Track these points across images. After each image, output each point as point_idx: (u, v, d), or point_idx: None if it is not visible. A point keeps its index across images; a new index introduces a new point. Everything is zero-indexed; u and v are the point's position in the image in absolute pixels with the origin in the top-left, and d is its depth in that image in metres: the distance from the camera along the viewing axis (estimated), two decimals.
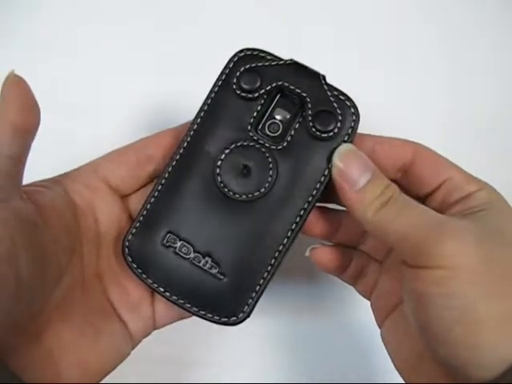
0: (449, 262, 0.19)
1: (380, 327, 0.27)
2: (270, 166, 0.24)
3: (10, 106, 0.20)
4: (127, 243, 0.25)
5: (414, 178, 0.25)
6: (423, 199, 0.25)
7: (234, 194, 0.24)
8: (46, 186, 0.24)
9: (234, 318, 0.24)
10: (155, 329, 0.27)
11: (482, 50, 0.39)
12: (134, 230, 0.25)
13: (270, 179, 0.24)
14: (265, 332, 0.36)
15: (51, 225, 0.22)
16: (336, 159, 0.23)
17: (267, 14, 0.39)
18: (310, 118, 0.24)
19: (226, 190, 0.24)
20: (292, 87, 0.24)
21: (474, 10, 0.39)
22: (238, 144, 0.25)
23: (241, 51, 0.26)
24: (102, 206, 0.26)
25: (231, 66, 0.25)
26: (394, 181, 0.25)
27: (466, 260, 0.19)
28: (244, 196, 0.24)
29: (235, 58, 0.25)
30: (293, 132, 0.25)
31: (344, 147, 0.24)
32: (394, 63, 0.39)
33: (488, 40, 0.39)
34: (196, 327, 0.35)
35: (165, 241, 0.25)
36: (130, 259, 0.25)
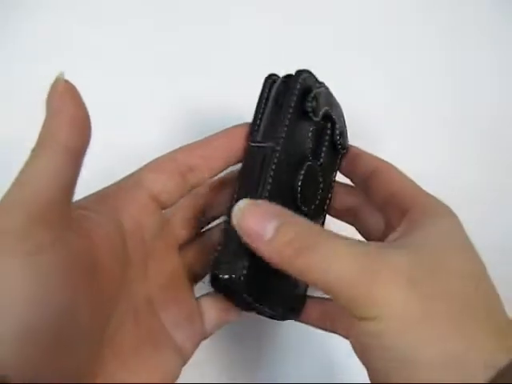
0: (381, 312, 0.18)
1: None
2: (320, 179, 0.27)
3: (61, 123, 0.17)
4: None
5: (370, 191, 0.26)
6: (381, 211, 0.26)
7: (305, 207, 0.26)
8: (90, 209, 0.21)
9: (299, 313, 0.27)
10: (204, 339, 0.26)
11: (482, 50, 0.39)
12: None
13: (320, 191, 0.27)
14: (265, 333, 0.36)
15: (102, 257, 0.20)
16: (235, 219, 0.21)
17: (268, 14, 0.39)
18: (337, 138, 0.27)
19: (303, 207, 0.26)
20: (330, 112, 0.27)
21: (474, 9, 0.39)
22: (308, 163, 0.26)
23: (300, 71, 0.25)
24: (149, 223, 0.23)
25: (299, 87, 0.25)
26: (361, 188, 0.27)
27: (399, 309, 0.18)
28: (308, 209, 0.26)
29: (297, 82, 0.25)
30: (324, 148, 0.27)
31: (241, 203, 0.21)
32: (394, 63, 0.39)
33: (488, 40, 0.39)
34: None
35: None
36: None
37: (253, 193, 0.23)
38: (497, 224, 0.37)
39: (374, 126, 0.38)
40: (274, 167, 0.24)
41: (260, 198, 0.23)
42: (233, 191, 0.25)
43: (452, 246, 0.20)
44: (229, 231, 0.22)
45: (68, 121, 0.17)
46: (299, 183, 0.25)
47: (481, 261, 0.20)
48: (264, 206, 0.21)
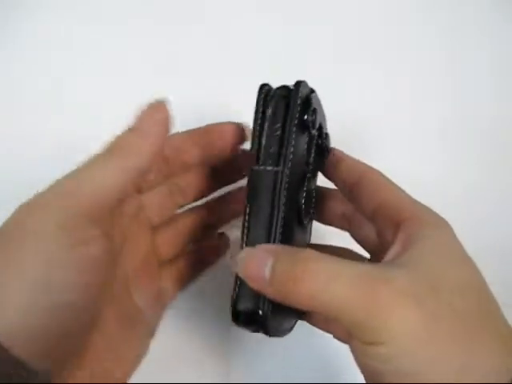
0: (389, 337, 0.18)
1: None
2: (313, 187, 0.26)
3: (145, 148, 0.20)
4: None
5: (354, 199, 0.25)
6: (371, 221, 0.24)
7: (305, 220, 0.26)
8: None
9: None
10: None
11: (482, 50, 0.39)
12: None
13: (313, 200, 0.26)
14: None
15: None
16: (239, 271, 0.21)
17: (268, 14, 0.39)
18: (324, 142, 0.27)
19: (304, 220, 0.25)
20: (321, 122, 0.26)
21: (474, 9, 0.39)
22: (308, 177, 0.25)
23: (299, 84, 0.24)
24: (128, 206, 0.25)
25: (299, 102, 0.24)
26: (348, 197, 0.26)
27: (406, 331, 0.18)
28: (306, 220, 0.26)
29: (298, 96, 0.24)
30: (313, 155, 0.26)
31: (240, 254, 0.21)
32: (394, 63, 0.39)
33: (488, 40, 0.39)
34: (196, 328, 0.35)
35: None
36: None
37: (267, 219, 0.23)
38: (497, 224, 0.37)
39: (374, 125, 0.38)
40: (285, 193, 0.23)
41: (276, 223, 0.23)
42: (243, 219, 0.24)
43: (451, 259, 0.20)
44: None
45: (151, 149, 0.20)
46: (303, 201, 0.25)
47: (479, 272, 0.20)
48: (260, 249, 0.21)
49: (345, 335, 0.25)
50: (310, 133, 0.25)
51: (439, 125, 0.38)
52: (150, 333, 0.26)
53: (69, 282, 0.19)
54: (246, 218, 0.23)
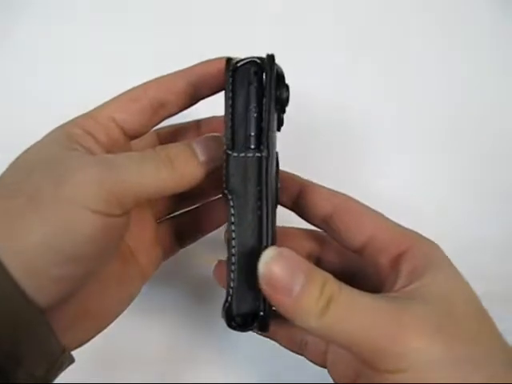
0: (415, 363, 0.18)
1: None
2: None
3: (200, 176, 0.22)
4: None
5: (337, 232, 0.24)
6: (358, 253, 0.24)
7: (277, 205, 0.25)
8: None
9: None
10: (163, 261, 0.28)
11: (481, 49, 0.39)
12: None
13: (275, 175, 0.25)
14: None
15: None
16: (262, 267, 0.19)
17: (267, 12, 0.39)
18: (282, 116, 0.24)
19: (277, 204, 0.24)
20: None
21: (474, 9, 0.39)
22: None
23: (273, 59, 0.22)
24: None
25: (274, 78, 0.22)
26: (321, 228, 0.25)
27: (431, 358, 0.18)
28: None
29: (274, 70, 0.22)
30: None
31: (269, 251, 0.20)
32: (393, 63, 0.39)
33: (488, 40, 0.39)
34: (196, 327, 0.35)
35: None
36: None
37: (256, 213, 0.22)
38: (497, 225, 0.37)
39: (374, 125, 0.38)
40: (269, 177, 0.22)
41: (267, 216, 0.22)
42: (226, 213, 0.22)
43: (457, 286, 0.21)
44: (240, 264, 0.22)
45: (200, 179, 0.22)
46: (279, 184, 0.24)
47: (475, 293, 0.21)
48: (291, 258, 0.20)
49: (321, 359, 0.25)
50: (282, 110, 0.23)
51: (439, 125, 0.38)
52: (142, 277, 0.27)
53: (88, 236, 0.20)
54: (231, 211, 0.22)
